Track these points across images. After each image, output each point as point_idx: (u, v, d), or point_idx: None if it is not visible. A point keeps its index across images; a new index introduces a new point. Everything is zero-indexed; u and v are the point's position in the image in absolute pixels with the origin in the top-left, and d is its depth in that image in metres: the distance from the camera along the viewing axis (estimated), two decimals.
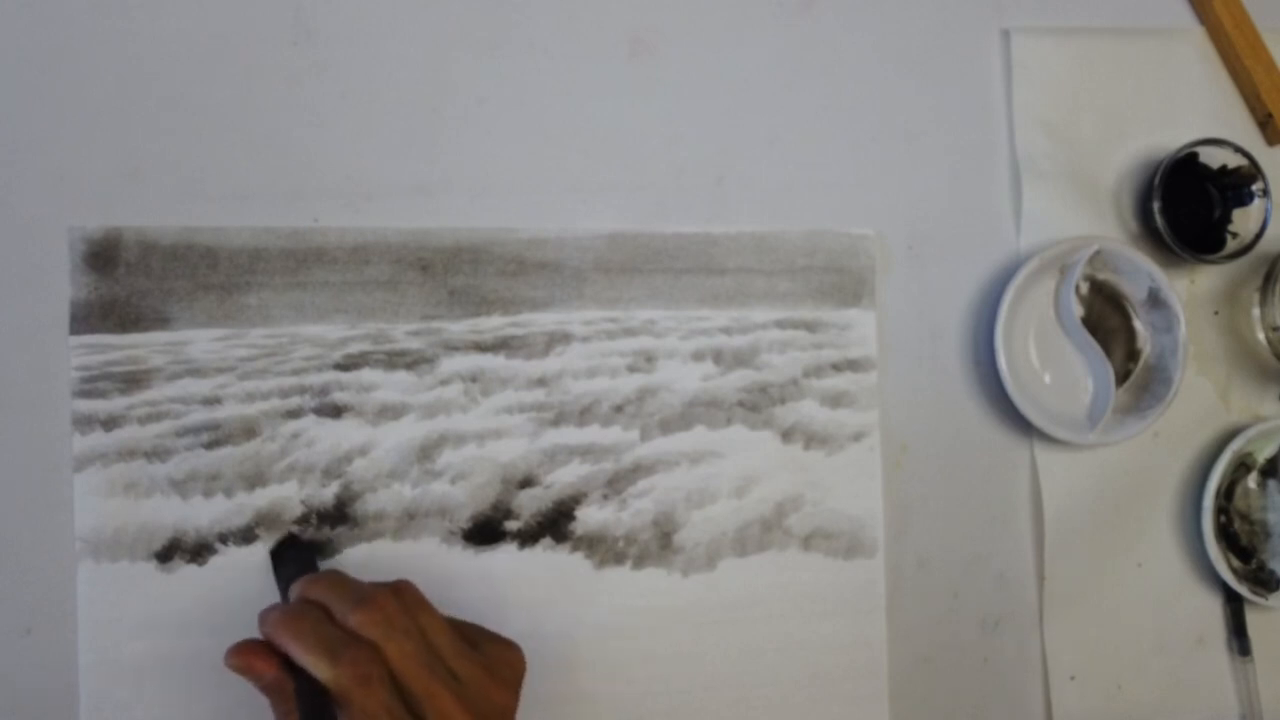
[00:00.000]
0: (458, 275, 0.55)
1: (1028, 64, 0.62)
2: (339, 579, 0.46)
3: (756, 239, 0.58)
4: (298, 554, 0.51)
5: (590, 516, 0.56)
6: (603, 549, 0.56)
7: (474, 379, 0.55)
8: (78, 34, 0.51)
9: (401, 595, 0.45)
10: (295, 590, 0.46)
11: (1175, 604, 0.64)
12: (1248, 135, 0.65)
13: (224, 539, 0.51)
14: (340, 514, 0.53)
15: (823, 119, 0.60)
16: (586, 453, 0.56)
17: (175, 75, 0.52)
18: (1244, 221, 0.63)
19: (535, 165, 0.56)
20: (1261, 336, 0.65)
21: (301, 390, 0.53)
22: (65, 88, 0.51)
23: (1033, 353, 0.61)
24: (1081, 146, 0.63)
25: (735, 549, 0.57)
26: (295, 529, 0.52)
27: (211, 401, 0.52)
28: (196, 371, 0.52)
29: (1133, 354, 0.63)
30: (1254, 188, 0.62)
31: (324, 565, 0.52)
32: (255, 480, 0.52)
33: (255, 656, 0.43)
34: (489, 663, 0.46)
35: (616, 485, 0.56)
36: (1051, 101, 0.63)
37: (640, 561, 0.56)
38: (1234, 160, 0.62)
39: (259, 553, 0.52)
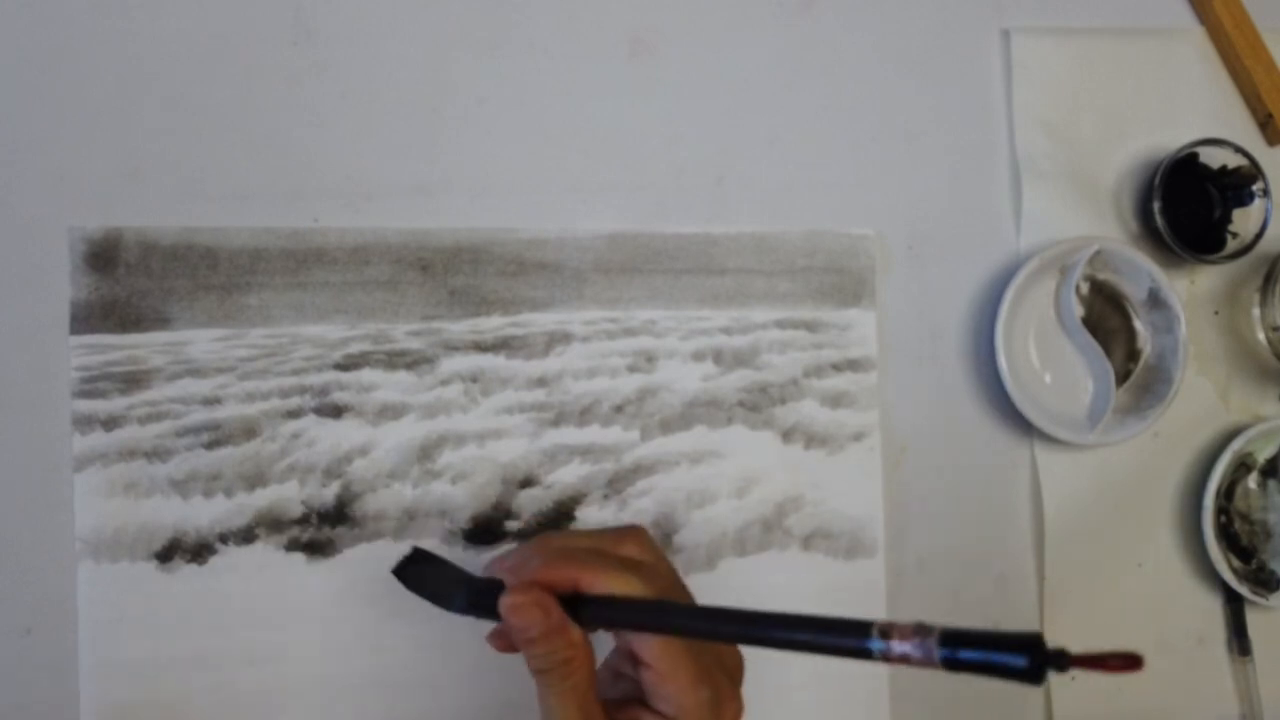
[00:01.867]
0: (458, 275, 0.55)
1: (1028, 64, 0.62)
2: (575, 532, 0.46)
3: (756, 239, 0.58)
4: (430, 564, 0.48)
5: (591, 516, 0.56)
6: None
7: (474, 379, 0.55)
8: (78, 34, 0.51)
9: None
10: (525, 551, 0.44)
11: (1175, 604, 0.64)
12: (1248, 135, 0.65)
13: (224, 539, 0.51)
14: (340, 514, 0.53)
15: (823, 119, 0.60)
16: (587, 453, 0.56)
17: (175, 75, 0.52)
18: (1244, 221, 0.63)
19: (535, 165, 0.56)
20: (1261, 336, 0.65)
21: (302, 390, 0.53)
22: (65, 88, 0.51)
23: (1033, 353, 0.61)
24: (1081, 146, 0.63)
25: (735, 549, 0.57)
26: (414, 547, 0.49)
27: (212, 401, 0.52)
28: (196, 371, 0.52)
29: (1133, 354, 0.63)
30: (1254, 188, 0.62)
31: (322, 565, 0.52)
32: (255, 480, 0.52)
33: (542, 598, 0.40)
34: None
35: (617, 485, 0.56)
36: (1051, 101, 0.63)
37: None
38: (1234, 160, 0.62)
39: (259, 553, 0.52)
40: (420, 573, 0.48)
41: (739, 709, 0.42)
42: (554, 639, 0.40)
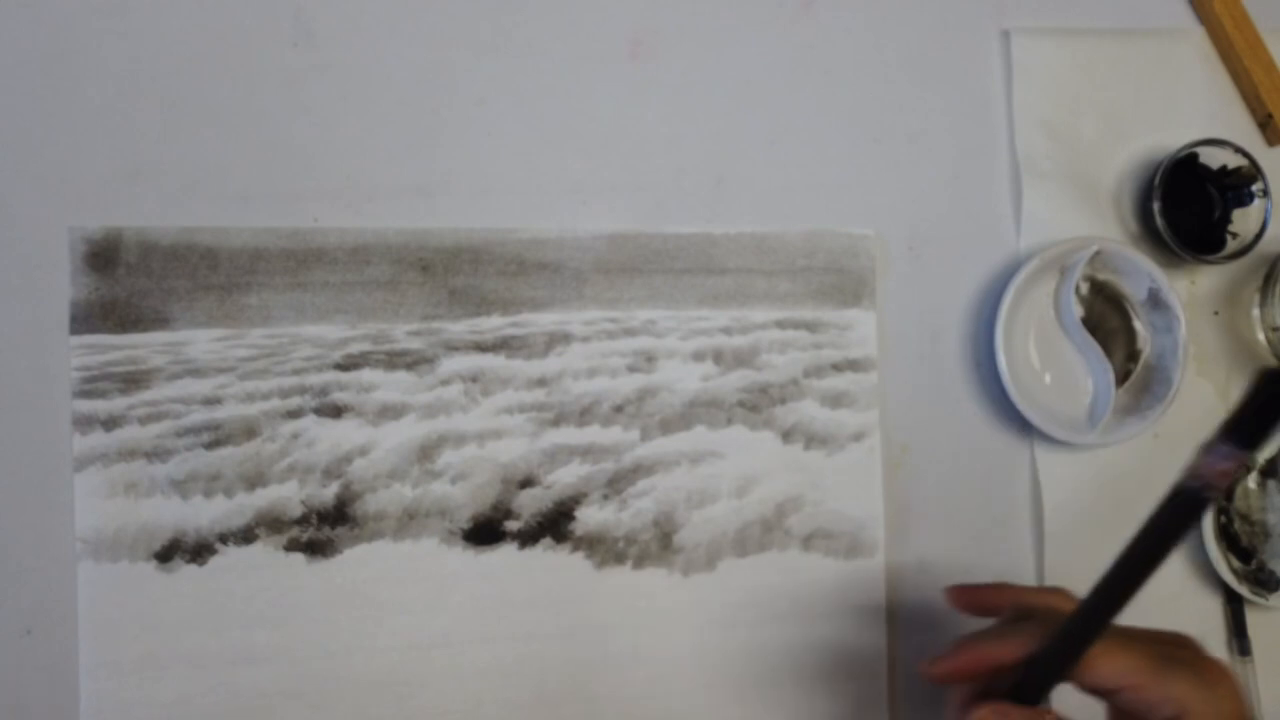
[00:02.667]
0: (458, 275, 0.55)
1: (1028, 64, 0.62)
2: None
3: (756, 239, 0.58)
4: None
5: (590, 516, 0.56)
6: (603, 549, 0.56)
7: (474, 379, 0.55)
8: (78, 34, 0.51)
9: None
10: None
11: (1175, 604, 0.63)
12: (1248, 135, 0.65)
13: (224, 539, 0.51)
14: (340, 514, 0.53)
15: (823, 119, 0.60)
16: (586, 453, 0.56)
17: (175, 75, 0.52)
18: (1244, 222, 0.63)
19: (535, 166, 0.56)
20: (1261, 337, 0.65)
21: (302, 390, 0.53)
22: (65, 88, 0.51)
23: (1033, 353, 0.61)
24: (1081, 146, 0.63)
25: (735, 549, 0.57)
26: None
27: (212, 402, 0.52)
28: (196, 372, 0.52)
29: (1133, 354, 0.63)
30: (1254, 188, 0.62)
31: (322, 565, 0.52)
32: (255, 480, 0.52)
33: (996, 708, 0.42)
34: None
35: (616, 485, 0.56)
36: (1051, 101, 0.63)
37: (640, 562, 0.56)
38: (1234, 160, 0.62)
39: (259, 553, 0.52)
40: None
41: (1220, 666, 0.42)
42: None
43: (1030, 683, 0.42)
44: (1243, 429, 0.34)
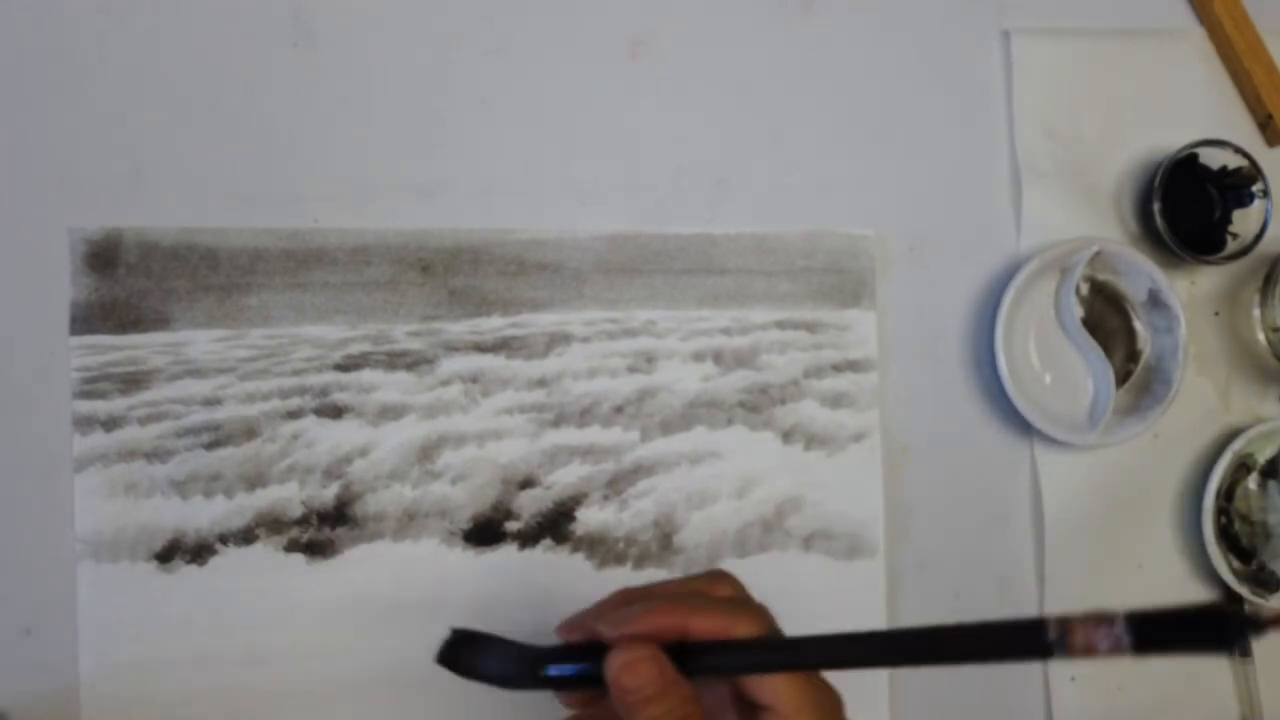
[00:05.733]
0: (458, 276, 0.55)
1: (1028, 64, 0.62)
2: (658, 583, 0.40)
3: (756, 240, 0.58)
4: (478, 643, 0.41)
5: (591, 517, 0.56)
6: (603, 550, 0.56)
7: (474, 380, 0.55)
8: (78, 34, 0.51)
9: None
10: (613, 604, 0.39)
11: None
12: (1248, 136, 0.65)
13: (224, 539, 0.51)
14: (340, 515, 0.53)
15: (823, 119, 0.60)
16: (587, 453, 0.56)
17: (175, 75, 0.52)
18: (1244, 222, 0.63)
19: (535, 166, 0.56)
20: (1261, 337, 0.65)
21: (302, 391, 0.53)
22: (65, 88, 0.51)
23: (1033, 353, 0.61)
24: (1081, 147, 0.63)
25: (736, 550, 0.57)
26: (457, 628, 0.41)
27: (212, 402, 0.52)
28: (197, 372, 0.52)
29: (1133, 355, 0.63)
30: (1254, 189, 0.62)
31: (322, 565, 0.52)
32: (255, 481, 0.52)
33: (656, 653, 0.36)
34: None
35: (617, 486, 0.56)
36: (1051, 102, 0.63)
37: (641, 562, 0.56)
38: (1234, 161, 0.62)
39: (259, 553, 0.52)
40: (471, 654, 0.41)
41: None
42: (670, 697, 0.35)
43: (704, 659, 0.37)
44: (1150, 634, 0.31)
